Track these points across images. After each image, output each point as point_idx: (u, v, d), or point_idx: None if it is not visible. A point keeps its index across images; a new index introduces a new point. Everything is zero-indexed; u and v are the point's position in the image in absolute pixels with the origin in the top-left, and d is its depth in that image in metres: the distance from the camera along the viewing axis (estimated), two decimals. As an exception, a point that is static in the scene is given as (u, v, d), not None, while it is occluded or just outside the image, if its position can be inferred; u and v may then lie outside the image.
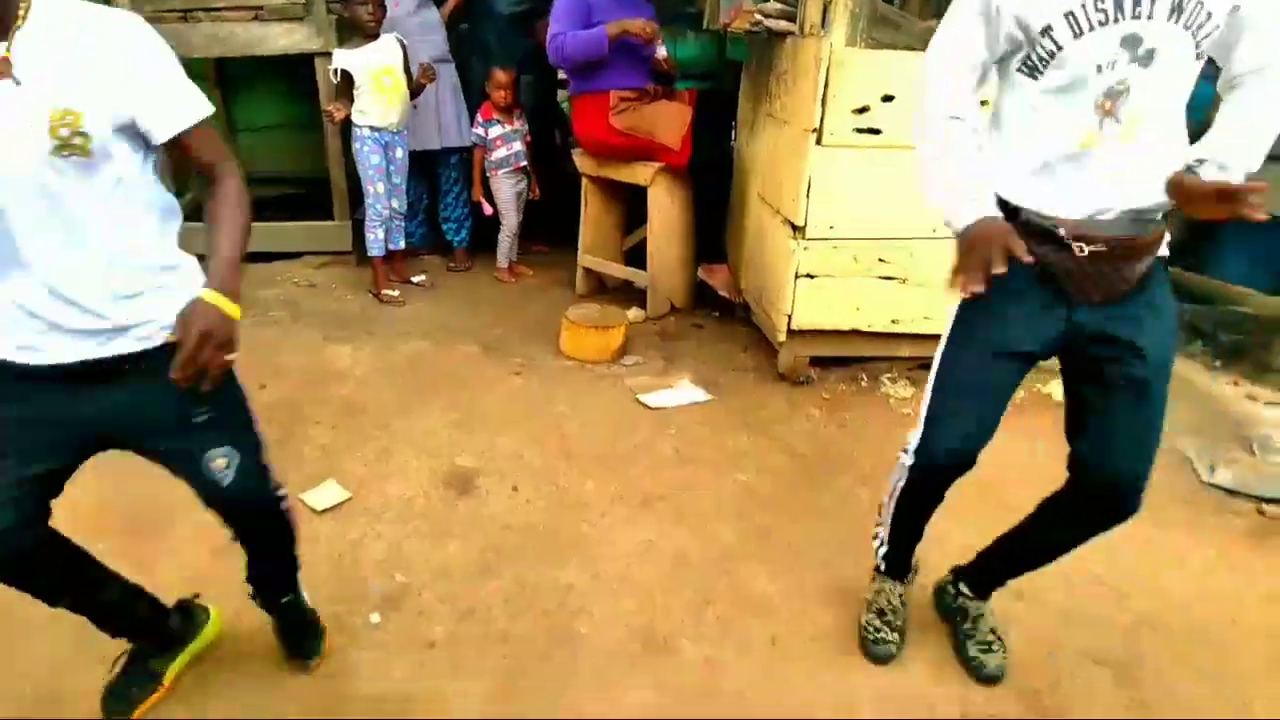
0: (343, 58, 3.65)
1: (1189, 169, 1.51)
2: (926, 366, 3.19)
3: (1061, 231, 1.60)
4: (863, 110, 2.82)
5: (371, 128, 3.74)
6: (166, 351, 1.44)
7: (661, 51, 3.64)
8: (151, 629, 1.89)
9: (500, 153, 4.08)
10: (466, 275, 4.40)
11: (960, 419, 1.80)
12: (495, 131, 4.06)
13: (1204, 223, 3.88)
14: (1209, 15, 1.47)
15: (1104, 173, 1.57)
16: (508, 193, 4.16)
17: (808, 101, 2.84)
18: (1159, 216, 1.61)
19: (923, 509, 2.00)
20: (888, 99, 2.81)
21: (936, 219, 1.67)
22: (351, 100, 3.70)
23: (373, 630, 2.11)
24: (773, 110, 3.24)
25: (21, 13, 1.29)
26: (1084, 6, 1.49)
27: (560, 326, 3.46)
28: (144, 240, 1.48)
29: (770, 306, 3.25)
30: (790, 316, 3.07)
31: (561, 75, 4.66)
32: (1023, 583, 2.28)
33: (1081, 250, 1.60)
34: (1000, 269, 1.42)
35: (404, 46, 3.78)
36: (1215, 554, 2.57)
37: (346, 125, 3.81)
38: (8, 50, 1.28)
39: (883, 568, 2.14)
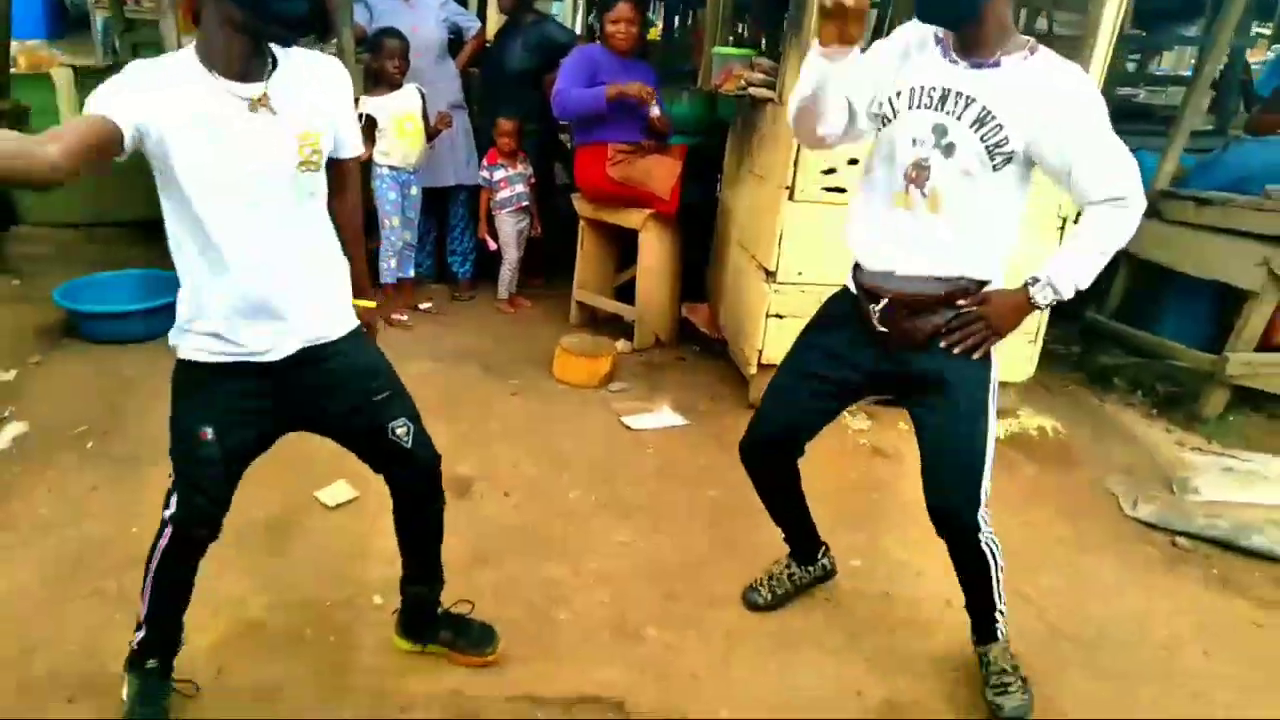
0: (368, 104, 4.02)
1: (1025, 284, 1.87)
2: (881, 402, 3.54)
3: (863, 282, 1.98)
4: (830, 171, 3.18)
5: (391, 167, 4.10)
6: (351, 335, 1.86)
7: (655, 111, 3.99)
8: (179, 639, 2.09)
9: (504, 194, 4.43)
10: (470, 304, 4.71)
11: (769, 416, 2.21)
12: (500, 174, 4.41)
13: (1145, 284, 4.28)
14: (1006, 139, 1.77)
15: (906, 235, 1.89)
16: (509, 230, 4.50)
17: (783, 162, 3.20)
18: (962, 284, 1.91)
19: (768, 496, 2.38)
20: (852, 161, 3.16)
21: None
22: (374, 142, 4.06)
23: (376, 610, 2.39)
24: (753, 167, 3.61)
25: (272, 63, 1.64)
26: (922, 88, 1.82)
27: (554, 353, 3.78)
28: (329, 237, 1.84)
29: (744, 342, 3.58)
30: (761, 351, 3.40)
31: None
32: (953, 594, 2.59)
33: (875, 301, 1.95)
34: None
35: (423, 95, 4.15)
36: (1130, 577, 2.88)
37: (367, 163, 4.16)
38: (265, 90, 1.62)
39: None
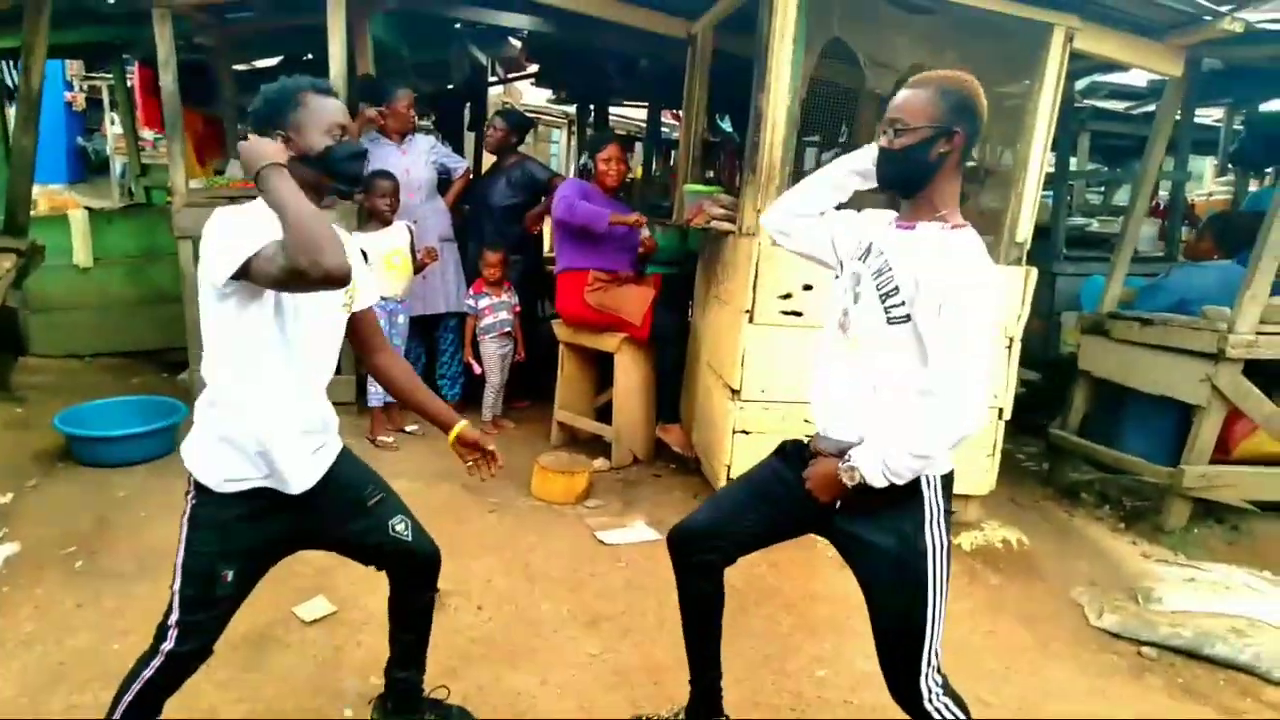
0: (360, 239, 4.29)
1: (845, 460, 1.87)
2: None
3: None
4: (786, 296, 3.41)
5: (380, 297, 4.34)
6: (340, 454, 2.06)
7: (645, 233, 4.33)
8: None
9: (488, 320, 4.67)
10: (455, 427, 4.88)
11: (702, 511, 2.25)
12: (485, 302, 4.66)
13: (1108, 399, 4.45)
14: (896, 289, 1.83)
15: (837, 384, 1.97)
16: (493, 355, 4.71)
17: (743, 287, 3.44)
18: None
19: (684, 607, 2.29)
20: (807, 287, 3.40)
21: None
22: (365, 274, 4.31)
23: (345, 722, 2.45)
24: (718, 293, 3.85)
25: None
26: (859, 242, 1.99)
27: (532, 471, 3.92)
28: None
29: (713, 458, 3.73)
30: (729, 466, 3.53)
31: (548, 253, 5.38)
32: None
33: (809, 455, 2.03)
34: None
35: (412, 231, 4.44)
36: (1094, 685, 2.92)
37: (359, 293, 4.40)
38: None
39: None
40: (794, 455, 2.12)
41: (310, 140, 1.86)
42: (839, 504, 1.96)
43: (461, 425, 2.15)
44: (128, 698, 1.94)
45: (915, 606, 1.89)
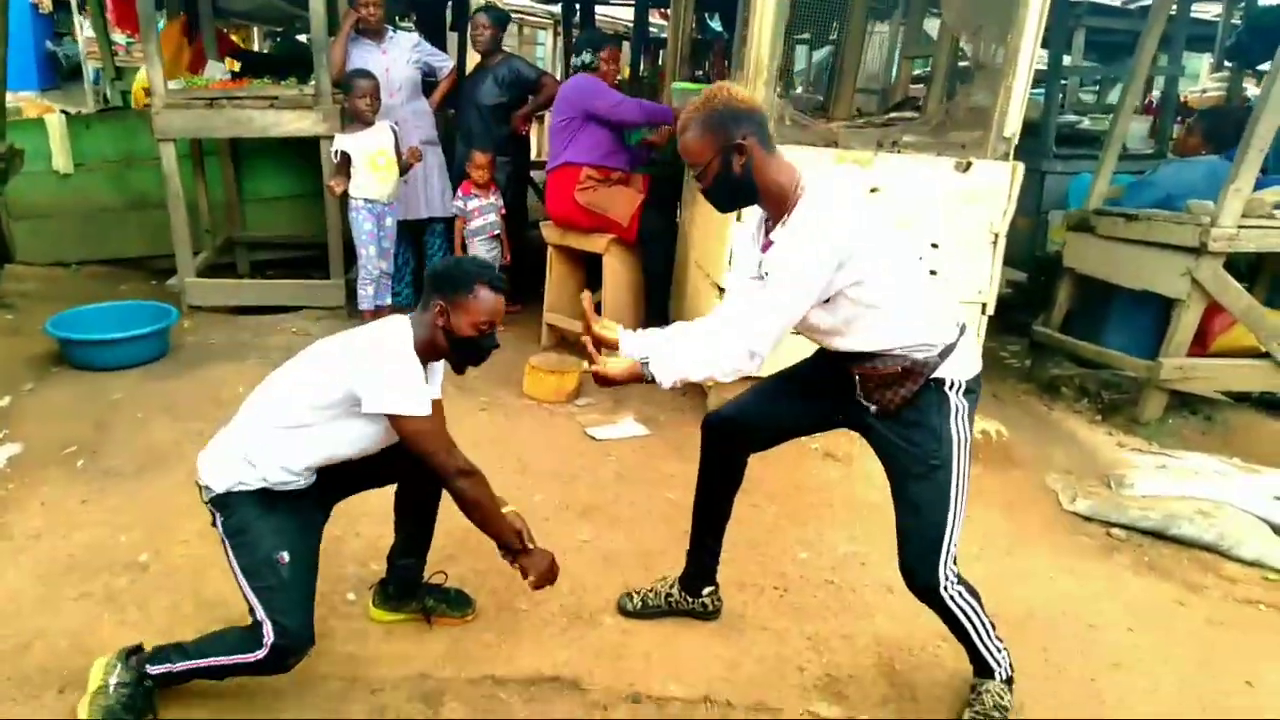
0: (342, 141, 4.25)
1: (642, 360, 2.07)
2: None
3: None
4: (774, 193, 3.41)
5: (366, 200, 4.32)
6: None
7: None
8: None
9: (476, 222, 4.66)
10: (445, 330, 4.92)
11: (745, 402, 2.37)
12: (473, 204, 4.64)
13: (1092, 296, 4.51)
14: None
15: None
16: (483, 257, 4.72)
17: (730, 185, 3.43)
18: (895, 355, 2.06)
19: (703, 482, 2.44)
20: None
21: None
22: (349, 176, 4.28)
23: (349, 605, 2.56)
24: (705, 192, 3.84)
25: None
26: (759, 264, 2.08)
27: (524, 372, 3.98)
28: None
29: (702, 356, 3.78)
30: (717, 364, 3.60)
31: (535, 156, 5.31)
32: (891, 579, 2.77)
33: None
34: None
35: (395, 132, 4.38)
36: (1064, 565, 3.06)
37: (344, 197, 4.38)
38: None
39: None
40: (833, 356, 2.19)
41: (461, 326, 2.06)
42: (874, 406, 2.09)
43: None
44: (213, 662, 2.03)
45: (940, 498, 2.05)
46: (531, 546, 2.24)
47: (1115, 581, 3.01)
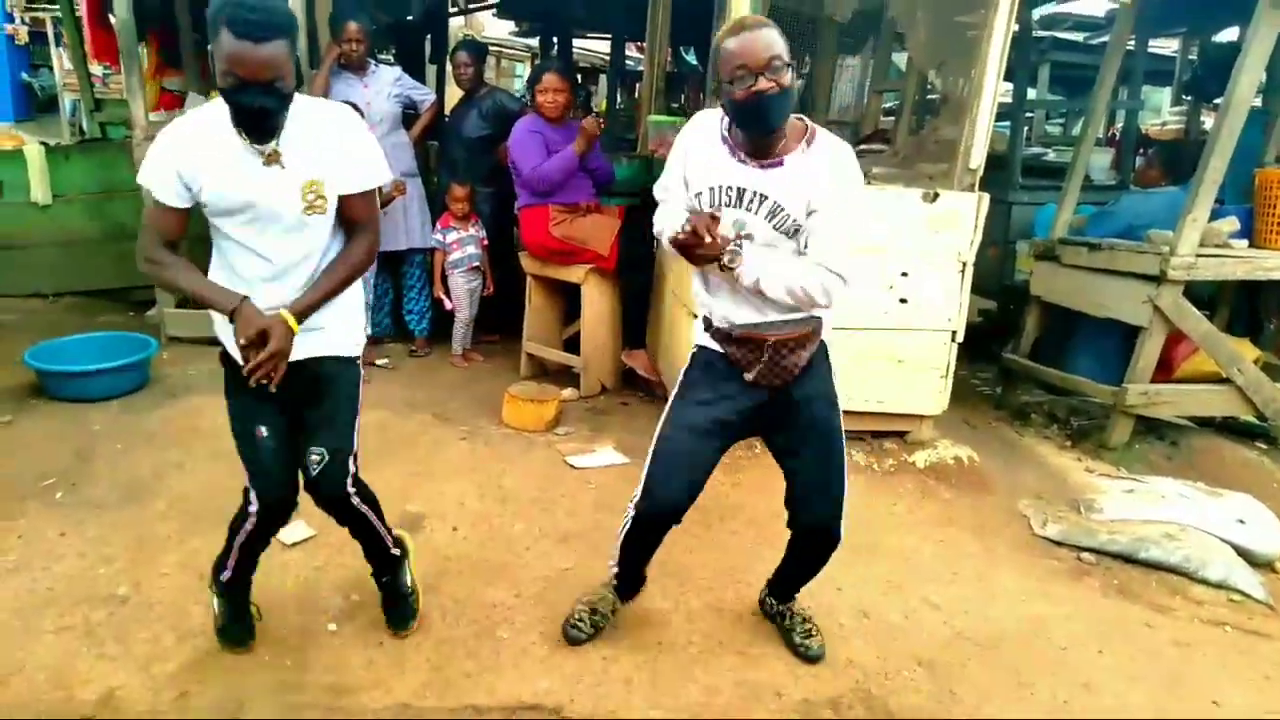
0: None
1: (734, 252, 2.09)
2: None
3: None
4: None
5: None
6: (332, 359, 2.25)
7: (588, 120, 4.30)
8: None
9: (456, 255, 4.71)
10: (425, 360, 4.93)
11: (675, 481, 2.34)
12: (452, 236, 4.70)
13: (1059, 325, 4.62)
14: (795, 222, 2.10)
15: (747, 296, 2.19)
16: (462, 289, 4.76)
17: (706, 217, 3.51)
18: (814, 322, 2.22)
19: (644, 553, 2.53)
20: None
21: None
22: (330, 207, 4.32)
23: (331, 636, 2.56)
24: (683, 223, 3.92)
25: (283, 121, 1.98)
26: (721, 187, 2.13)
27: (503, 400, 4.02)
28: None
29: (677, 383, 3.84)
30: (694, 392, 3.65)
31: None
32: (867, 604, 2.84)
33: (754, 346, 2.22)
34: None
35: (378, 164, 4.43)
36: (1035, 588, 3.12)
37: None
38: (276, 145, 2.00)
39: (614, 584, 2.62)
40: (708, 370, 2.33)
41: (216, 75, 1.90)
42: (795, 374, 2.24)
43: (280, 312, 2.10)
44: (234, 556, 2.35)
45: (839, 442, 2.32)
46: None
47: (1085, 604, 3.07)
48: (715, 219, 2.07)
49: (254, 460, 2.21)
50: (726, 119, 2.16)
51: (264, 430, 2.19)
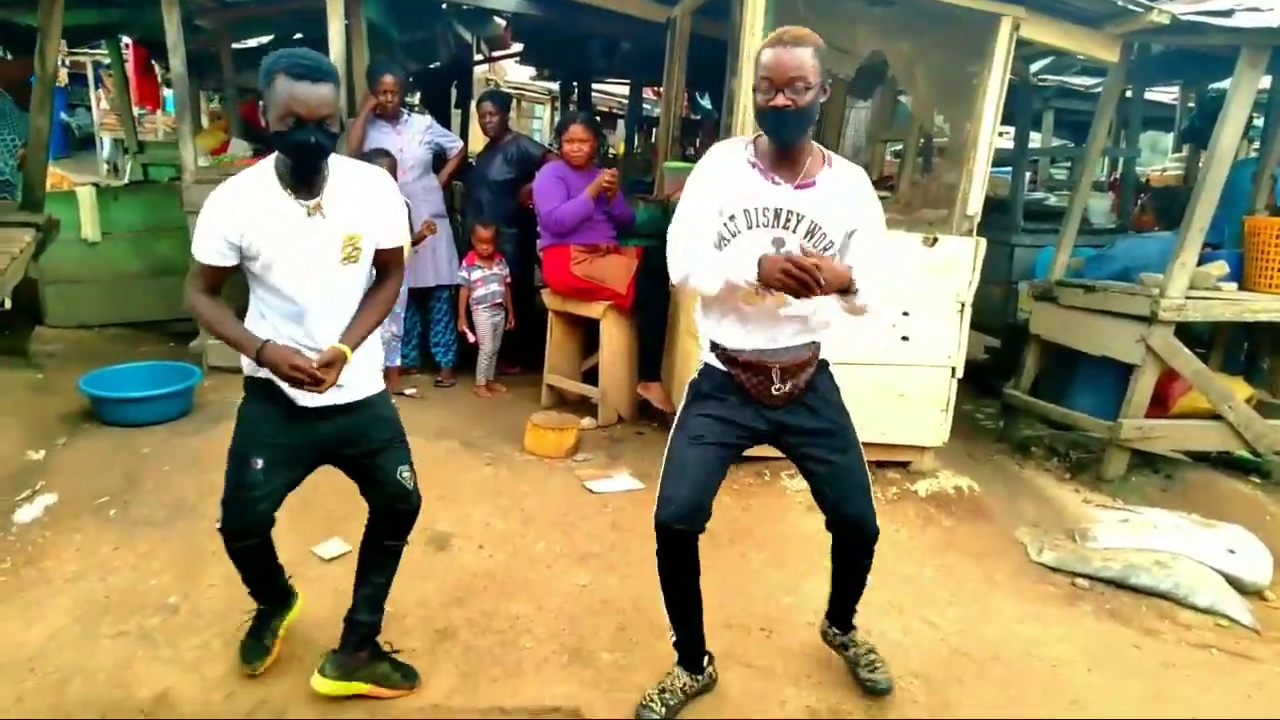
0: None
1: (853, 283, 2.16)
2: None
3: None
4: (758, 265, 3.72)
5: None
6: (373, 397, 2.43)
7: (607, 174, 4.51)
8: (283, 596, 2.68)
9: (480, 291, 4.96)
10: (450, 390, 5.15)
11: (689, 488, 2.33)
12: (477, 274, 4.95)
13: (1059, 361, 4.81)
14: (830, 240, 2.23)
15: (766, 320, 2.30)
16: (485, 324, 5.00)
17: (718, 258, 3.74)
18: (815, 347, 2.39)
19: (679, 579, 2.44)
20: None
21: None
22: (365, 246, 4.58)
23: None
24: (697, 263, 4.15)
25: (326, 176, 2.20)
26: (757, 209, 2.20)
27: (525, 429, 4.23)
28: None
29: (692, 415, 4.04)
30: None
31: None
32: (869, 622, 3.00)
33: (760, 371, 2.33)
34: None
35: (409, 206, 4.70)
36: (1030, 611, 3.29)
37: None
38: (320, 200, 2.19)
39: (676, 656, 2.55)
40: (718, 389, 2.39)
41: (270, 121, 2.07)
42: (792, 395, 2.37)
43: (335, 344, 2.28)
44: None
45: (853, 434, 2.44)
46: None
47: (1077, 626, 3.23)
48: (790, 256, 2.09)
49: (235, 484, 2.31)
50: (750, 146, 2.26)
51: (259, 462, 2.28)
